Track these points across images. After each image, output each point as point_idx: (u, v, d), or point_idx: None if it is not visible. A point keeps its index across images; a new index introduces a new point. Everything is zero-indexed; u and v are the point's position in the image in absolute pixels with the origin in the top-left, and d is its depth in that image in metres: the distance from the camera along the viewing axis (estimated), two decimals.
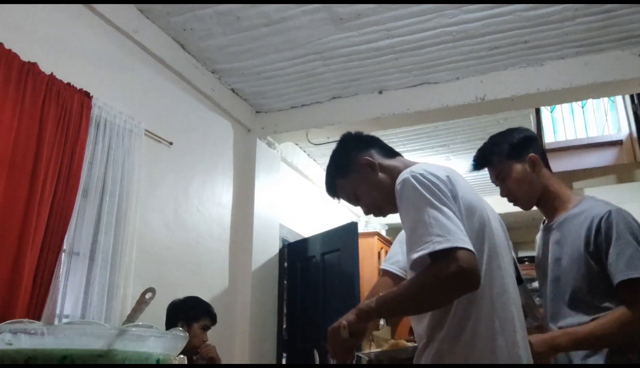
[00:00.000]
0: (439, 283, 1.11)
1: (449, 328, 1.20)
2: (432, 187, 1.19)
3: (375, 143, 1.49)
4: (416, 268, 1.17)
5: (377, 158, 1.44)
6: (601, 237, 1.51)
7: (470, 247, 1.11)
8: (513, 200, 1.67)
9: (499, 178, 1.68)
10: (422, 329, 1.27)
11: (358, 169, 1.43)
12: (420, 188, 1.19)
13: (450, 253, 1.10)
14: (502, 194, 1.69)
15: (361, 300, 4.07)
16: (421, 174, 1.22)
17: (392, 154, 1.48)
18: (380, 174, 1.41)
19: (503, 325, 1.19)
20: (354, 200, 1.47)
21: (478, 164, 1.71)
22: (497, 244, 1.27)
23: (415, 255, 1.13)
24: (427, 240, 1.12)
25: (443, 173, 1.26)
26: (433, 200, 1.17)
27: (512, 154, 1.65)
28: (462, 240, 1.11)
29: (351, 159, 1.45)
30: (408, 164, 1.40)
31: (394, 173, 1.37)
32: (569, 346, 1.47)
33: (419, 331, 1.30)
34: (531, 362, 1.26)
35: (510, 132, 1.72)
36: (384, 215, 1.46)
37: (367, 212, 1.48)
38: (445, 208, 1.16)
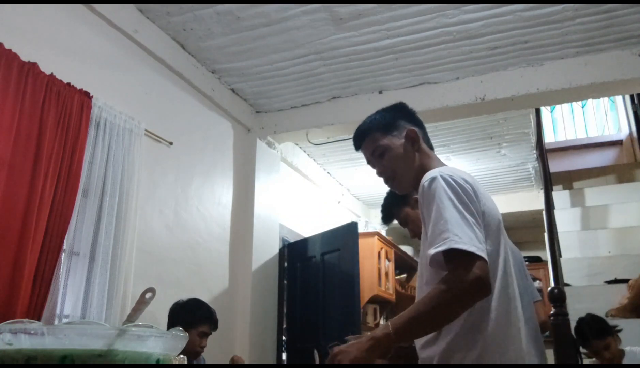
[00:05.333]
0: (458, 296, 1.11)
1: (456, 341, 1.18)
2: (459, 191, 1.21)
3: (422, 127, 1.53)
4: (433, 265, 1.18)
5: (420, 139, 1.47)
6: None
7: (485, 256, 1.12)
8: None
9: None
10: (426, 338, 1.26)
11: (400, 135, 1.46)
12: (447, 189, 1.20)
13: (466, 259, 1.10)
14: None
15: (361, 301, 4.07)
16: (450, 176, 1.24)
17: (430, 145, 1.51)
18: (415, 153, 1.44)
19: (515, 334, 1.20)
20: (377, 157, 1.48)
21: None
22: (508, 251, 1.29)
23: (433, 251, 1.14)
24: (446, 237, 1.13)
25: (470, 179, 1.28)
26: (457, 204, 1.18)
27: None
28: (479, 247, 1.12)
29: (399, 123, 1.48)
30: (438, 163, 1.43)
31: (425, 160, 1.42)
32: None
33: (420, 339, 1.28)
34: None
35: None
36: (393, 187, 1.48)
37: (380, 174, 1.50)
38: (468, 215, 1.17)
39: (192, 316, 2.52)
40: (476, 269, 1.09)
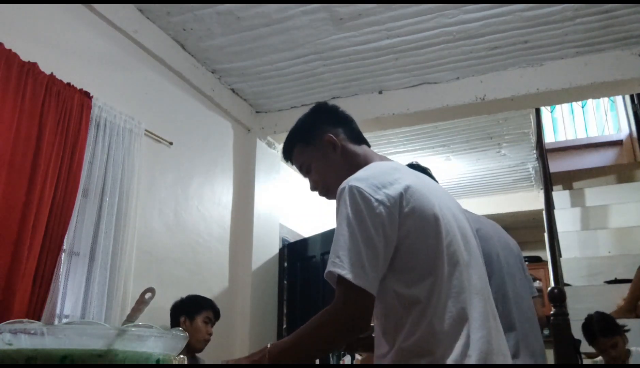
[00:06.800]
0: (334, 333, 1.10)
1: (401, 341, 1.10)
2: (361, 206, 1.11)
3: (346, 123, 1.41)
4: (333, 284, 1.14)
5: (342, 139, 1.37)
6: None
7: (364, 282, 1.06)
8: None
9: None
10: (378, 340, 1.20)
11: (320, 143, 1.37)
12: (348, 203, 1.12)
13: (345, 286, 1.06)
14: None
15: None
16: (358, 188, 1.13)
17: (359, 140, 1.40)
18: (339, 157, 1.35)
19: (458, 327, 1.09)
20: (305, 171, 1.42)
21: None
22: (454, 242, 1.18)
23: (326, 271, 1.11)
24: (332, 258, 1.09)
25: (396, 189, 1.14)
26: (353, 221, 1.10)
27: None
28: (357, 273, 1.06)
29: (317, 131, 1.38)
30: (369, 158, 1.34)
31: (352, 160, 1.34)
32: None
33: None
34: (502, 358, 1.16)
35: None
36: (329, 197, 1.37)
37: (313, 188, 1.42)
38: (360, 235, 1.09)
39: (195, 304, 2.61)
40: (351, 302, 1.07)
